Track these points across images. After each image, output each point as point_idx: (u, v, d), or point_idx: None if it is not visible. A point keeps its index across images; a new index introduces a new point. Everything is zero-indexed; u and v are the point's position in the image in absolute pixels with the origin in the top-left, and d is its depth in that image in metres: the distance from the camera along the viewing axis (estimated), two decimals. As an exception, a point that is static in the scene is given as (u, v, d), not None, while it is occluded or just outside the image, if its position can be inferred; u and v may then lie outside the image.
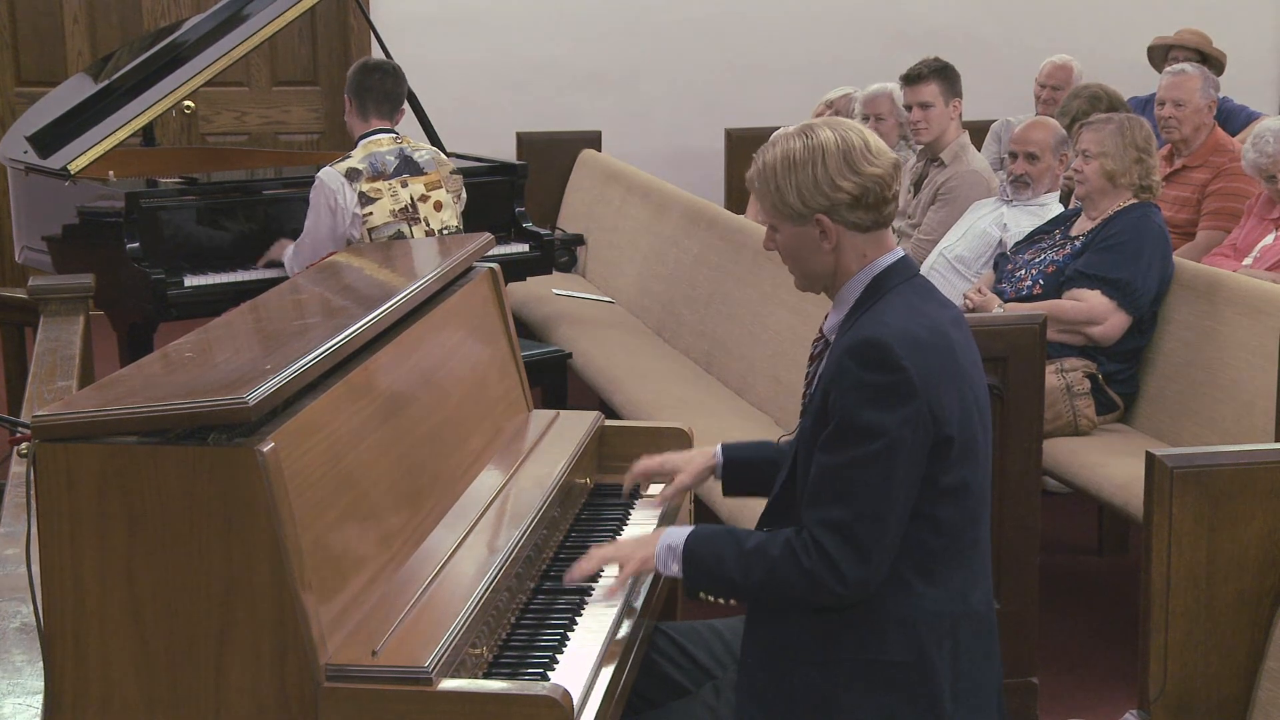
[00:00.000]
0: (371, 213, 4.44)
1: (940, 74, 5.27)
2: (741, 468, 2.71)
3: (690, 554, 2.40)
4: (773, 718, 2.37)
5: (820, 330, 2.52)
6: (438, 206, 4.58)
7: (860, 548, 2.26)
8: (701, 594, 2.43)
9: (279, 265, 4.73)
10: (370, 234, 4.44)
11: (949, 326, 2.37)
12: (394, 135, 4.60)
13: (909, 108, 5.34)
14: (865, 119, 5.76)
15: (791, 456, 2.44)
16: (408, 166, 4.55)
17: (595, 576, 2.57)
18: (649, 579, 2.61)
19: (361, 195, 4.44)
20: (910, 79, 5.33)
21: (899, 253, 2.43)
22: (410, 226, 4.49)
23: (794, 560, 2.29)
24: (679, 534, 2.44)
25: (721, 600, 2.43)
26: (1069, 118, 5.25)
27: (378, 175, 4.48)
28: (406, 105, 5.30)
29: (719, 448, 2.73)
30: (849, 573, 2.26)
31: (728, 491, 2.76)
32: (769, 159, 2.39)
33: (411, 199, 4.51)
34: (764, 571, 2.32)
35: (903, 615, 2.33)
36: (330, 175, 4.45)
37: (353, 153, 4.54)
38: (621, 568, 2.47)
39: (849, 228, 2.37)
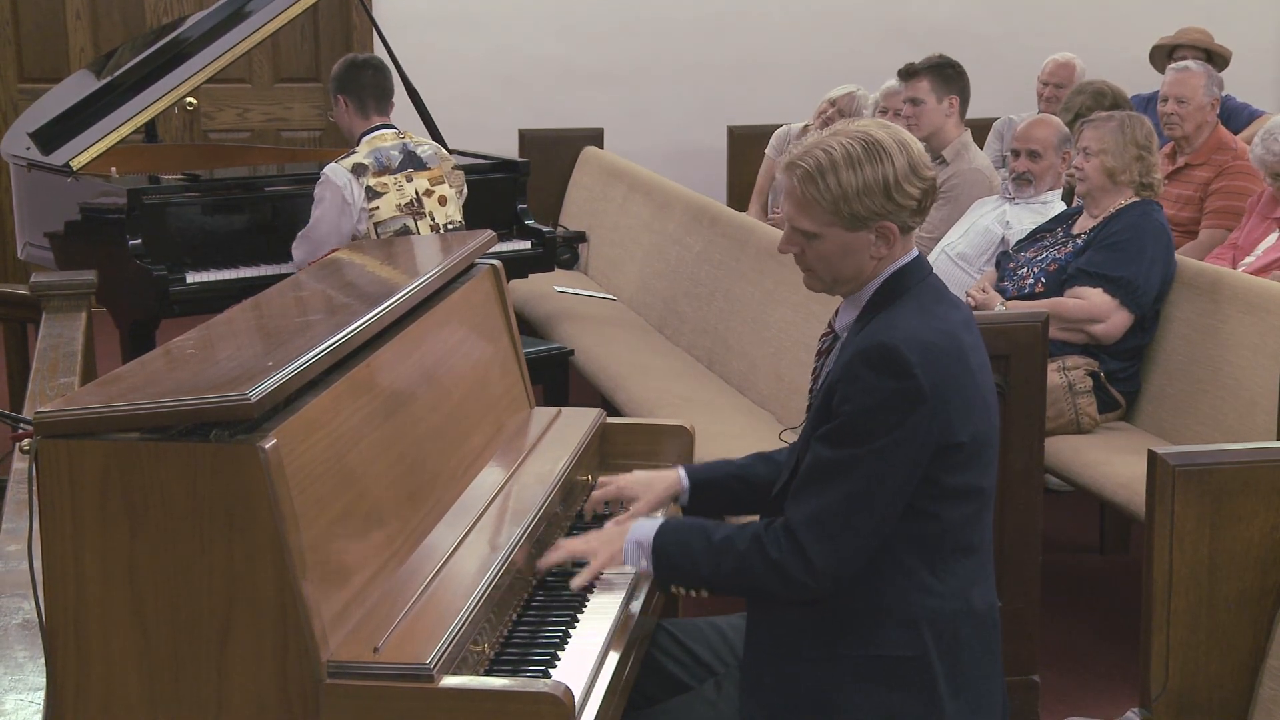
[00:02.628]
0: (378, 207, 4.44)
1: (934, 70, 5.26)
2: (707, 489, 2.67)
3: (659, 549, 2.41)
4: (774, 714, 2.37)
5: (830, 325, 2.51)
6: (442, 201, 4.58)
7: (833, 540, 2.27)
8: (673, 588, 2.44)
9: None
10: (376, 228, 4.44)
11: (960, 329, 2.36)
12: (396, 131, 4.60)
13: (905, 102, 5.34)
14: (883, 113, 5.76)
15: (796, 453, 2.43)
16: (411, 161, 4.55)
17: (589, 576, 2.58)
18: (650, 581, 2.61)
19: (368, 190, 4.43)
20: (903, 74, 5.35)
21: (915, 253, 2.42)
22: (415, 221, 4.49)
23: (762, 552, 2.30)
24: (648, 528, 2.43)
25: (694, 593, 2.43)
26: (1072, 113, 5.24)
27: (383, 170, 4.47)
28: (409, 101, 5.31)
29: (682, 472, 2.68)
30: (817, 561, 2.27)
31: (690, 513, 2.69)
32: (824, 160, 2.31)
33: (417, 193, 4.52)
34: (733, 564, 2.33)
35: (904, 612, 2.33)
36: (337, 171, 4.45)
37: (357, 149, 4.53)
38: (590, 562, 2.46)
39: (903, 231, 2.37)
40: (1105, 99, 5.30)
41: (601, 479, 2.79)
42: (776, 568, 2.29)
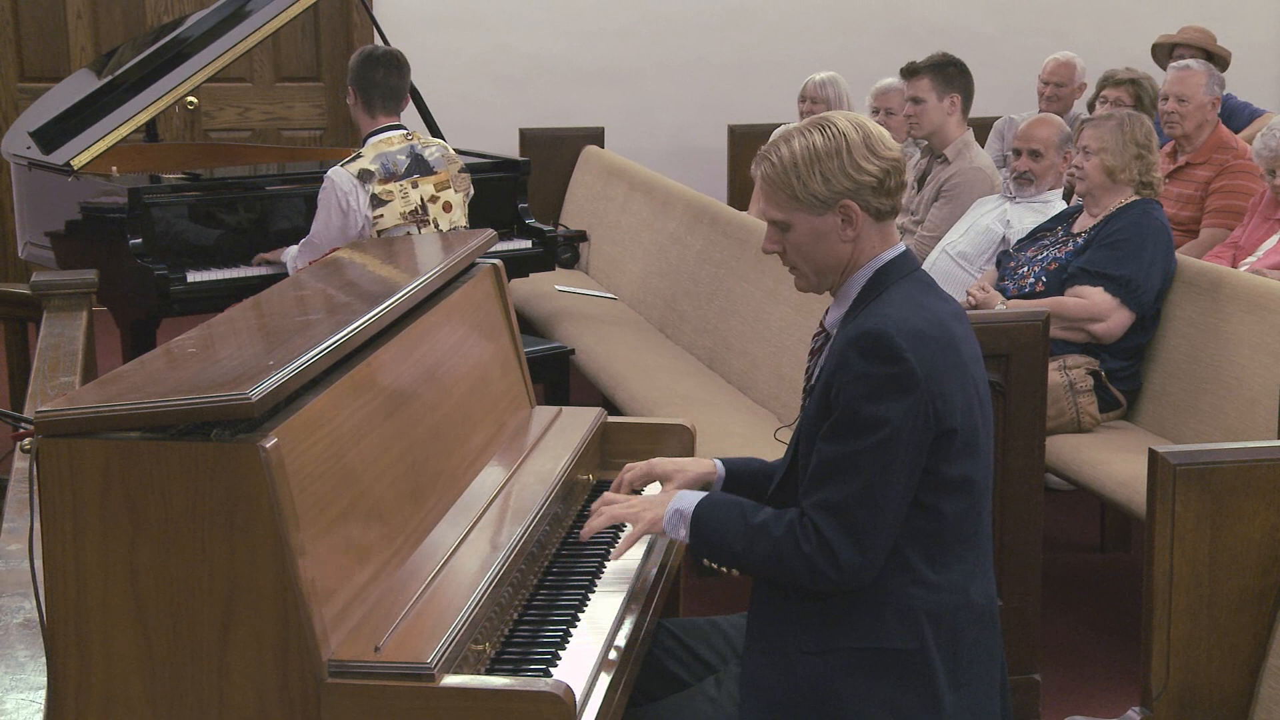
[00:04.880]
0: (382, 215, 4.37)
1: (935, 69, 5.27)
2: (741, 479, 2.67)
3: (699, 521, 2.42)
4: (773, 707, 2.37)
5: (821, 324, 2.53)
6: (447, 207, 4.53)
7: (856, 534, 2.28)
8: (705, 561, 2.46)
9: (275, 265, 4.71)
10: (379, 236, 4.40)
11: (950, 320, 2.38)
12: (404, 132, 4.50)
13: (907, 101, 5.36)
14: (875, 112, 5.79)
15: (793, 446, 2.45)
16: (419, 166, 4.46)
17: (599, 571, 2.59)
18: (653, 573, 2.61)
19: (374, 197, 4.35)
20: (905, 73, 5.36)
21: (901, 247, 2.44)
22: (419, 228, 4.44)
23: (794, 543, 2.31)
24: (690, 499, 2.45)
25: (724, 570, 2.45)
26: (1111, 82, 5.54)
27: (390, 177, 4.39)
28: (411, 101, 5.29)
29: (718, 461, 2.70)
30: (844, 559, 2.28)
31: None
32: (787, 153, 2.38)
33: (422, 200, 4.45)
34: (766, 549, 2.35)
35: (903, 605, 2.34)
36: (342, 176, 4.36)
37: (362, 151, 4.44)
38: (631, 526, 2.50)
39: (871, 215, 2.38)
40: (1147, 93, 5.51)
41: (628, 465, 2.77)
42: (806, 561, 2.30)
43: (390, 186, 4.39)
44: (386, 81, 4.48)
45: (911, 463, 2.28)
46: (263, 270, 4.72)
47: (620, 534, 2.73)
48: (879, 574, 2.32)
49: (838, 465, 2.29)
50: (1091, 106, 6.00)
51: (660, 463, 2.69)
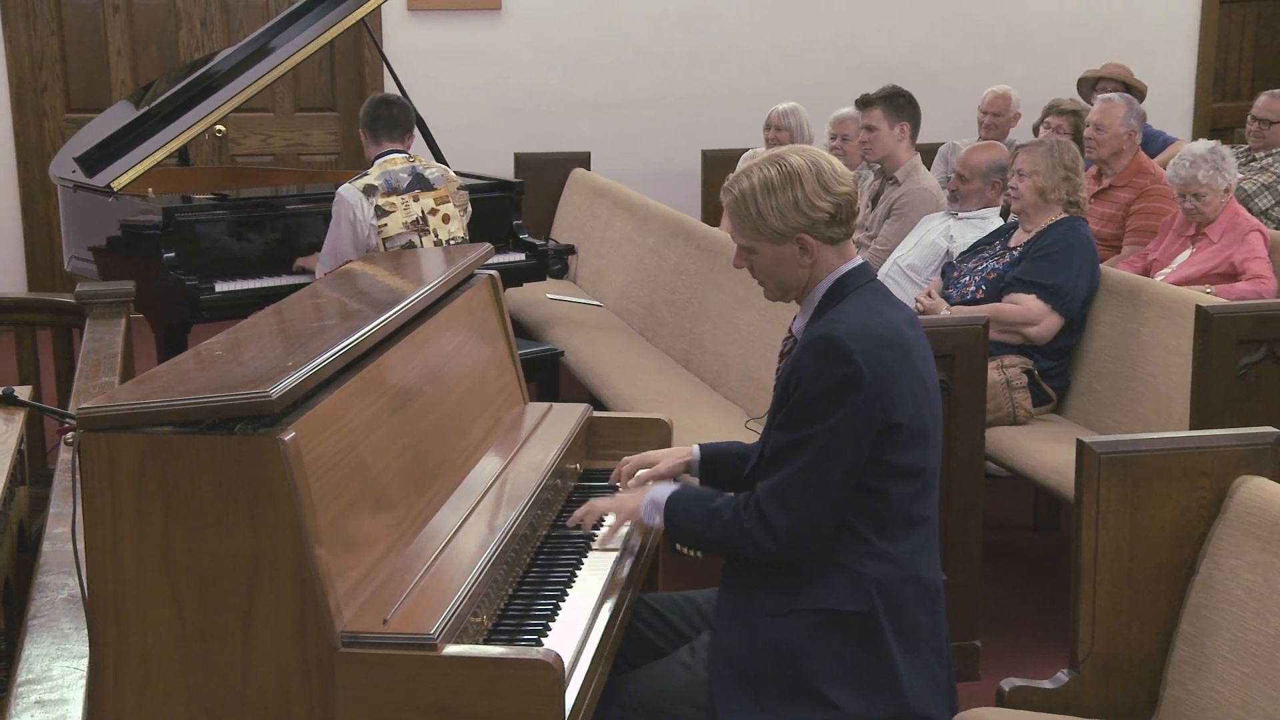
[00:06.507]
0: (386, 224, 4.43)
1: (886, 100, 5.28)
2: (715, 461, 2.71)
3: (670, 509, 2.48)
4: (740, 667, 2.38)
5: (790, 330, 2.53)
6: (445, 219, 4.56)
7: (790, 510, 2.31)
8: (678, 545, 2.51)
9: (309, 273, 4.76)
10: (385, 243, 4.43)
11: (903, 325, 2.39)
12: (406, 155, 4.58)
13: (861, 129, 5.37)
14: (833, 138, 5.80)
15: (762, 439, 2.46)
16: (420, 183, 4.53)
17: (585, 551, 2.58)
18: (632, 559, 2.61)
19: (378, 209, 4.42)
20: (859, 104, 5.37)
21: (858, 260, 2.45)
22: (420, 237, 4.48)
23: (738, 522, 2.37)
24: (665, 491, 2.51)
25: (694, 553, 2.50)
26: (1056, 110, 5.76)
27: (392, 190, 4.46)
28: (416, 130, 5.29)
29: (696, 447, 2.73)
30: (778, 530, 2.32)
31: (702, 481, 2.76)
32: (746, 187, 2.39)
33: (422, 212, 4.50)
34: (719, 530, 2.40)
35: (855, 573, 2.35)
36: (349, 191, 4.44)
37: (369, 171, 4.52)
38: (615, 516, 2.55)
39: (825, 242, 2.39)
40: (1080, 118, 5.65)
41: (625, 458, 2.80)
42: (748, 535, 2.35)
43: (393, 199, 4.45)
44: (388, 114, 4.59)
45: (852, 452, 2.29)
46: (284, 280, 4.72)
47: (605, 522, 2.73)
48: (835, 545, 2.34)
49: (786, 450, 2.32)
50: (1036, 130, 6.07)
51: (651, 454, 2.76)
